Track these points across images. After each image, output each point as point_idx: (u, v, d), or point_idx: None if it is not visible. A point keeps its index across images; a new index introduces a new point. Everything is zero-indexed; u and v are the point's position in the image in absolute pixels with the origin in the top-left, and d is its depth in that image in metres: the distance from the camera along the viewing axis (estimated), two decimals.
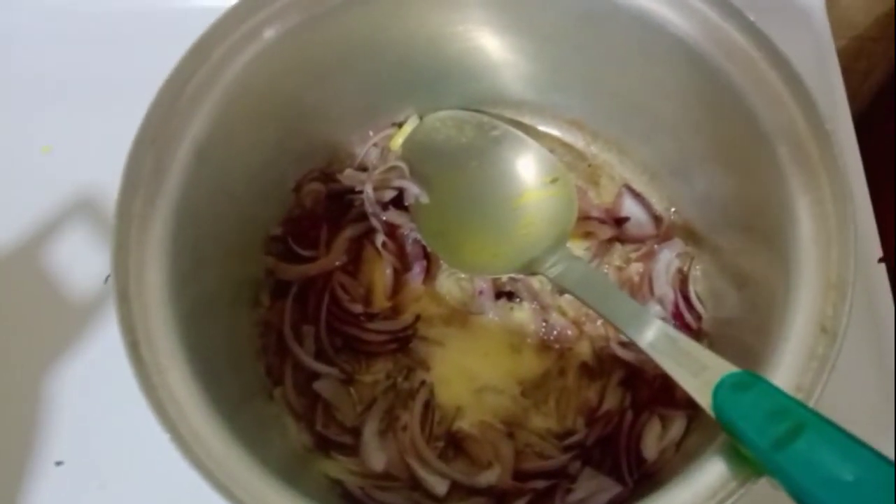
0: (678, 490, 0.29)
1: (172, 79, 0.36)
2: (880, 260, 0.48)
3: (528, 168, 0.48)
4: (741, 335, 0.40)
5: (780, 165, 0.35)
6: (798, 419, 0.26)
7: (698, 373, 0.30)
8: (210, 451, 0.30)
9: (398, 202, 0.49)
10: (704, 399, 0.29)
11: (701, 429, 0.41)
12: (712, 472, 0.29)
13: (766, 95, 0.35)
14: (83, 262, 0.51)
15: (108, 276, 0.50)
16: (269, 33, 0.39)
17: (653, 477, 0.40)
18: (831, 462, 0.24)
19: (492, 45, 0.45)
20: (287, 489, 0.30)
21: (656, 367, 0.42)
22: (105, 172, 0.52)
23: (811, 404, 0.29)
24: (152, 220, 0.35)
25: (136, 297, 0.33)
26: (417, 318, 0.47)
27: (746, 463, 0.28)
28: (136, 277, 0.33)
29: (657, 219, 0.47)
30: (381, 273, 0.48)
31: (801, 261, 0.33)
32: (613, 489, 0.40)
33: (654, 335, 0.34)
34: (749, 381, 0.28)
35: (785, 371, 0.31)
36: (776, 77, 0.35)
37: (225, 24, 0.38)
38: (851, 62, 0.72)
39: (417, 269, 0.48)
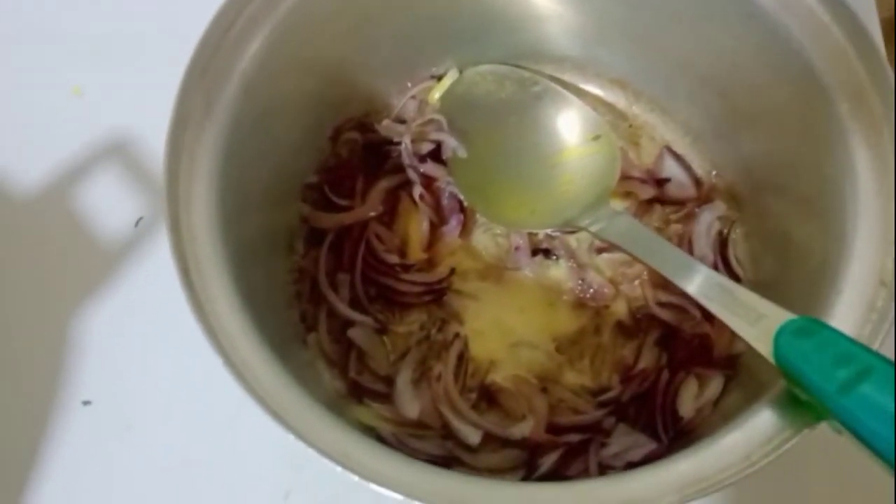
0: (733, 436, 0.29)
1: (222, 13, 0.35)
2: None
3: (569, 125, 0.47)
4: (782, 299, 0.40)
5: (841, 121, 0.34)
6: (864, 363, 0.25)
7: (756, 321, 0.30)
8: (259, 379, 0.30)
9: (436, 155, 0.48)
10: (765, 347, 0.29)
11: (739, 389, 0.40)
12: (766, 419, 0.29)
13: (827, 49, 0.35)
14: (114, 204, 0.51)
15: (140, 219, 0.51)
16: None
17: (689, 435, 0.40)
18: None
19: None
20: (336, 422, 0.30)
21: (694, 327, 0.43)
22: (135, 116, 0.53)
23: None
24: (201, 153, 0.35)
25: (187, 227, 0.33)
26: (452, 271, 0.46)
27: (804, 410, 0.28)
28: (186, 209, 0.33)
29: (698, 181, 0.47)
30: (418, 225, 0.47)
31: (859, 216, 0.33)
32: (648, 445, 0.40)
33: (706, 284, 0.34)
34: (812, 327, 0.28)
35: (842, 323, 0.30)
36: (838, 31, 0.35)
37: None
38: (888, 38, 0.72)
39: (454, 223, 0.47)
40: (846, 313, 0.31)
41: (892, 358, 0.25)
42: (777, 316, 0.29)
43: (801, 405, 0.28)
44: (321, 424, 0.30)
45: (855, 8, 0.56)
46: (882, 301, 0.30)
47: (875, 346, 0.29)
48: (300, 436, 0.28)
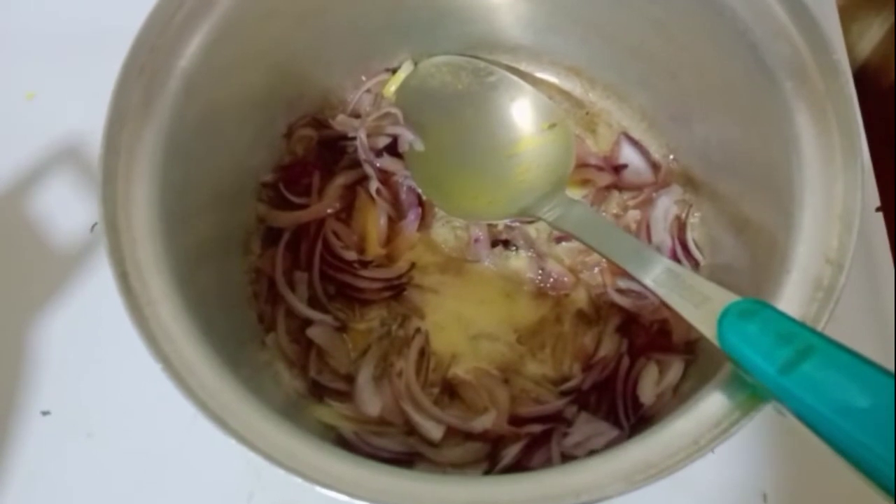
0: (681, 422, 0.29)
1: (161, 5, 0.35)
2: (878, 209, 0.48)
3: (525, 114, 0.47)
4: (740, 281, 0.40)
5: (786, 100, 0.34)
6: (806, 342, 0.25)
7: (701, 304, 0.30)
8: (203, 383, 0.29)
9: (392, 149, 0.48)
10: (709, 329, 0.29)
11: (698, 374, 0.40)
12: (714, 402, 0.29)
13: (770, 27, 0.35)
14: (69, 210, 0.50)
15: (95, 224, 0.50)
16: None
17: (650, 421, 0.40)
18: (840, 383, 0.24)
19: None
20: (285, 425, 0.29)
21: (654, 313, 0.43)
22: (90, 120, 0.51)
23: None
24: (140, 152, 0.34)
25: (126, 229, 0.32)
26: (412, 265, 0.46)
27: (750, 392, 0.28)
28: (125, 209, 0.32)
29: (655, 166, 0.47)
30: (375, 220, 0.47)
31: (805, 195, 0.32)
32: (610, 433, 0.40)
33: (656, 271, 0.34)
34: (754, 308, 0.28)
35: (789, 302, 0.30)
36: (780, 8, 0.34)
37: None
38: (847, 23, 0.72)
39: (412, 217, 0.47)
40: (794, 292, 0.31)
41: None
42: (721, 298, 0.29)
43: (748, 387, 0.28)
44: (267, 427, 0.29)
45: None
46: (828, 279, 0.30)
47: (821, 325, 0.29)
48: (242, 440, 0.28)
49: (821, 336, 0.26)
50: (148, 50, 0.34)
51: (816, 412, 0.24)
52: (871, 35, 0.76)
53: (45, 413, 0.45)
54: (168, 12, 0.35)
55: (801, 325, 0.27)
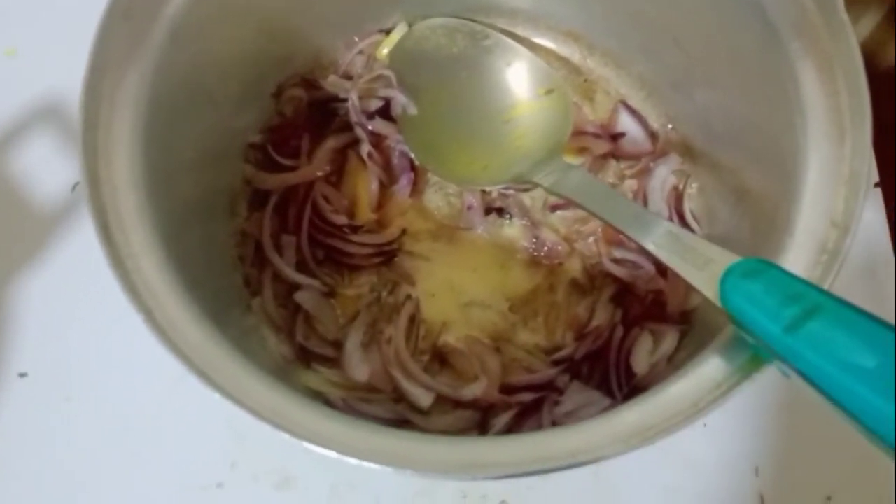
0: (680, 384, 0.28)
1: None
2: (876, 184, 0.48)
3: (521, 79, 0.46)
4: (738, 250, 0.39)
5: (793, 61, 0.33)
6: (812, 301, 0.24)
7: (704, 266, 0.29)
8: (187, 338, 0.28)
9: (385, 112, 0.47)
10: (711, 290, 0.28)
11: (693, 343, 0.40)
12: (714, 365, 0.28)
13: None
14: (50, 168, 0.49)
15: (76, 184, 0.48)
16: None
17: (643, 391, 0.39)
18: (847, 341, 0.23)
19: None
20: (271, 381, 0.28)
21: (648, 283, 0.42)
22: (72, 77, 0.50)
23: None
24: (123, 100, 0.33)
25: (107, 180, 0.31)
26: (403, 231, 0.45)
27: (752, 354, 0.27)
28: (106, 159, 0.31)
29: (653, 135, 0.46)
30: (366, 185, 0.46)
31: (810, 159, 0.32)
32: (602, 402, 0.39)
33: (657, 233, 0.33)
34: (759, 267, 0.27)
35: (792, 265, 0.29)
36: None
37: None
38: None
39: (404, 182, 0.46)
40: (798, 255, 0.30)
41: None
42: (724, 259, 0.28)
43: (750, 349, 0.27)
44: (254, 384, 0.28)
45: None
46: (833, 242, 0.29)
47: (826, 287, 0.28)
48: (229, 396, 0.27)
49: (828, 295, 0.25)
50: None
51: (822, 371, 0.23)
52: (867, 20, 0.75)
53: (22, 375, 0.44)
54: None
55: (809, 283, 0.26)
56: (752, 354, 0.27)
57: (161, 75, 0.34)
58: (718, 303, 0.27)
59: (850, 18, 0.75)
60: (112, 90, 0.32)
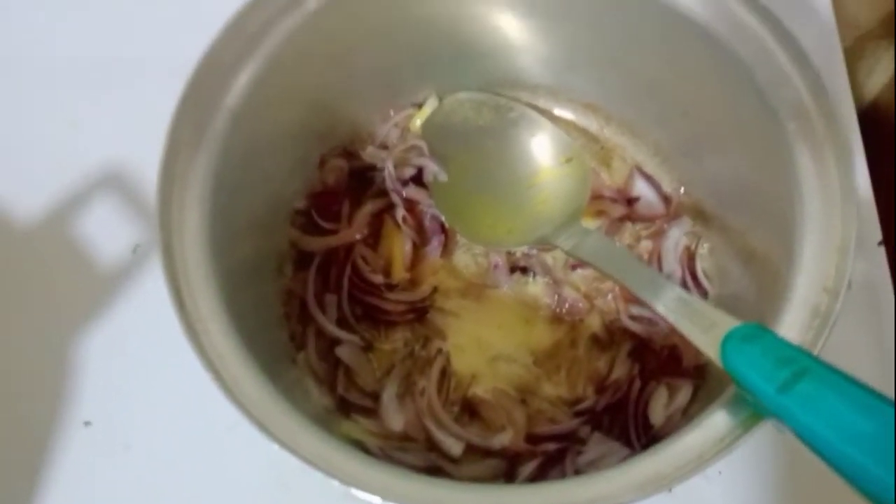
0: (687, 438, 0.31)
1: (213, 48, 0.38)
2: (880, 243, 0.50)
3: (543, 148, 0.50)
4: (746, 309, 0.42)
5: (788, 140, 0.36)
6: (802, 364, 0.27)
7: (708, 329, 0.32)
8: (248, 394, 0.32)
9: (418, 179, 0.51)
10: (714, 352, 0.31)
11: (706, 397, 0.42)
12: (719, 420, 0.31)
13: (774, 73, 0.37)
14: (111, 233, 0.53)
15: (137, 246, 0.53)
16: (303, 8, 0.41)
17: (660, 441, 0.42)
18: (833, 402, 0.26)
19: (510, 27, 0.47)
20: (322, 433, 0.32)
21: (665, 338, 0.45)
22: (130, 147, 0.55)
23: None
24: (191, 183, 0.37)
25: (179, 252, 0.35)
26: (435, 289, 0.48)
27: (752, 410, 0.30)
28: (178, 233, 0.35)
29: (667, 199, 0.49)
30: (401, 246, 0.49)
31: (805, 229, 0.35)
32: (622, 452, 0.42)
33: (667, 298, 0.36)
34: (756, 332, 0.30)
35: (789, 329, 0.32)
36: (784, 56, 0.37)
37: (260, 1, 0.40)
38: (854, 63, 0.74)
39: (435, 243, 0.50)
40: (793, 319, 0.33)
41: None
42: (725, 323, 0.31)
43: (749, 406, 0.30)
44: (305, 435, 0.32)
45: (819, 31, 0.59)
46: (825, 306, 0.32)
47: (817, 348, 0.31)
48: (284, 445, 0.30)
49: (815, 359, 0.28)
50: (200, 87, 0.37)
51: (811, 429, 0.26)
52: (879, 73, 0.78)
53: (86, 423, 0.48)
54: (218, 54, 0.38)
55: (798, 348, 0.29)
56: (752, 411, 0.30)
57: (223, 156, 0.39)
58: (721, 364, 0.30)
59: (863, 73, 0.77)
60: (183, 172, 0.36)
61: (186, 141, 0.37)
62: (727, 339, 0.30)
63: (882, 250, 0.50)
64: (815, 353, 0.31)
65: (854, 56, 0.74)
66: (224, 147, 0.39)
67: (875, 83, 0.80)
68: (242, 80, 0.40)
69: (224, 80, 0.39)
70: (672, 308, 0.35)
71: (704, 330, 0.32)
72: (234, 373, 0.33)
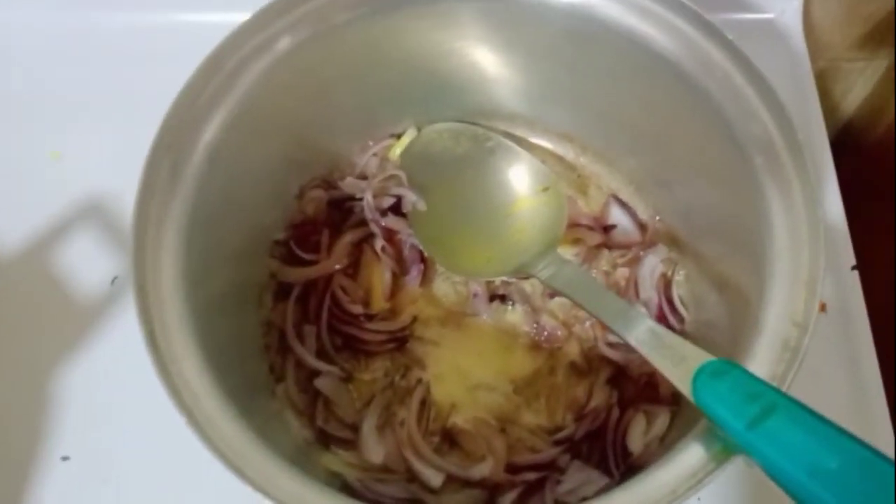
0: (661, 472, 0.31)
1: (188, 87, 0.38)
2: (853, 268, 0.51)
3: (520, 177, 0.50)
4: (720, 335, 0.43)
5: (756, 174, 0.37)
6: (770, 400, 0.28)
7: (679, 363, 0.33)
8: (223, 435, 0.32)
9: (396, 209, 0.51)
10: (685, 386, 0.31)
11: (683, 424, 0.43)
12: (692, 454, 0.32)
13: (742, 109, 0.38)
14: (90, 265, 0.53)
15: (115, 278, 0.53)
16: (278, 47, 0.41)
17: (638, 469, 0.42)
18: (800, 438, 0.26)
19: (487, 61, 0.48)
20: (296, 473, 0.32)
21: (641, 365, 0.46)
22: (110, 179, 0.55)
23: (784, 390, 0.31)
24: (167, 222, 0.37)
25: (153, 291, 0.35)
26: (414, 319, 0.49)
27: (723, 445, 0.31)
28: (153, 273, 0.35)
29: (642, 226, 0.50)
30: (380, 276, 0.50)
31: (774, 263, 0.35)
32: (601, 481, 0.42)
33: (639, 331, 0.36)
34: (725, 368, 0.31)
35: (760, 361, 0.33)
36: (752, 91, 0.38)
37: (237, 39, 0.40)
38: (829, 83, 0.76)
39: (414, 273, 0.50)
40: (765, 353, 0.33)
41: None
42: (696, 358, 0.32)
43: (721, 440, 0.31)
44: (281, 475, 0.32)
45: (790, 57, 0.60)
46: (794, 341, 0.33)
47: (787, 382, 0.32)
48: (258, 488, 0.30)
49: (784, 395, 0.28)
50: (175, 128, 0.38)
51: (779, 466, 0.26)
52: (855, 93, 0.79)
53: (64, 458, 0.48)
54: (194, 93, 0.39)
55: (767, 384, 0.29)
56: (723, 446, 0.31)
57: (201, 194, 0.39)
58: (691, 398, 0.31)
59: (837, 94, 0.78)
60: (158, 213, 0.36)
61: (162, 182, 0.37)
62: (698, 375, 0.31)
63: (856, 275, 0.51)
64: (786, 386, 0.32)
65: (828, 78, 0.75)
66: (201, 183, 0.39)
67: (850, 103, 0.81)
68: (219, 117, 0.40)
69: (201, 118, 0.39)
70: (644, 340, 0.36)
71: (675, 363, 0.33)
72: (208, 413, 0.33)
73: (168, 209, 0.37)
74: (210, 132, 0.39)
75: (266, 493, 0.30)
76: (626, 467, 0.43)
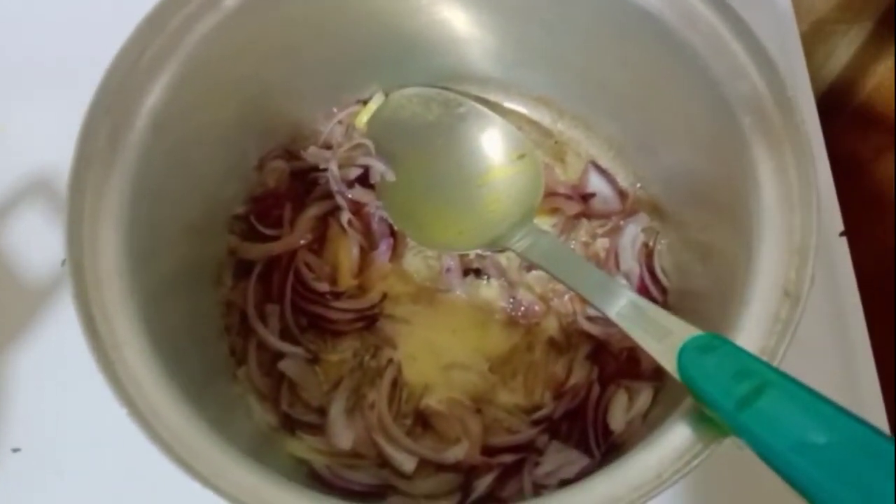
0: (645, 454, 0.29)
1: (127, 47, 0.35)
2: (842, 234, 0.49)
3: (494, 145, 0.48)
4: (706, 307, 0.41)
5: (744, 135, 0.35)
6: (762, 378, 0.26)
7: (663, 338, 0.30)
8: (169, 426, 0.29)
9: (364, 180, 0.48)
10: (670, 363, 0.29)
11: (667, 400, 0.41)
12: (678, 435, 0.29)
13: (729, 65, 0.35)
14: (39, 244, 0.50)
15: (65, 259, 0.50)
16: (227, 3, 0.38)
17: (620, 448, 0.40)
18: (796, 419, 0.24)
19: (457, 20, 0.45)
20: (251, 464, 0.29)
21: (622, 340, 0.44)
22: (59, 153, 0.51)
23: (775, 365, 0.29)
24: (107, 192, 0.34)
25: (92, 270, 0.32)
26: (384, 296, 0.46)
27: (711, 425, 0.28)
28: (91, 251, 0.32)
29: (623, 194, 0.48)
30: (347, 251, 0.47)
31: (763, 228, 0.33)
32: (581, 461, 0.40)
33: (620, 304, 0.34)
34: (713, 343, 0.28)
35: (749, 335, 0.31)
36: (739, 47, 0.35)
37: None
38: (812, 46, 0.74)
39: (384, 247, 0.47)
40: (754, 325, 0.31)
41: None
42: (681, 332, 0.30)
43: (709, 420, 0.29)
44: (235, 468, 0.29)
45: (776, 18, 0.58)
46: (785, 312, 0.31)
47: (778, 357, 0.30)
48: (207, 483, 0.28)
49: (777, 372, 0.26)
50: (114, 91, 0.34)
51: (772, 448, 0.24)
52: (838, 57, 0.77)
53: (15, 450, 0.45)
54: (134, 54, 0.35)
55: (758, 360, 0.27)
56: (711, 425, 0.28)
57: (144, 162, 0.36)
58: (677, 375, 0.29)
59: (821, 55, 0.76)
60: (96, 183, 0.34)
61: (101, 146, 0.34)
62: (683, 350, 0.29)
63: (844, 241, 0.49)
64: (777, 361, 0.29)
65: (812, 41, 0.73)
66: (145, 150, 0.36)
67: (833, 67, 0.79)
68: (163, 80, 0.37)
69: (143, 80, 0.36)
70: (625, 314, 0.34)
71: (659, 338, 0.31)
72: (153, 402, 0.30)
73: (108, 178, 0.34)
74: (154, 95, 0.36)
75: (216, 489, 0.28)
76: (607, 446, 0.41)
